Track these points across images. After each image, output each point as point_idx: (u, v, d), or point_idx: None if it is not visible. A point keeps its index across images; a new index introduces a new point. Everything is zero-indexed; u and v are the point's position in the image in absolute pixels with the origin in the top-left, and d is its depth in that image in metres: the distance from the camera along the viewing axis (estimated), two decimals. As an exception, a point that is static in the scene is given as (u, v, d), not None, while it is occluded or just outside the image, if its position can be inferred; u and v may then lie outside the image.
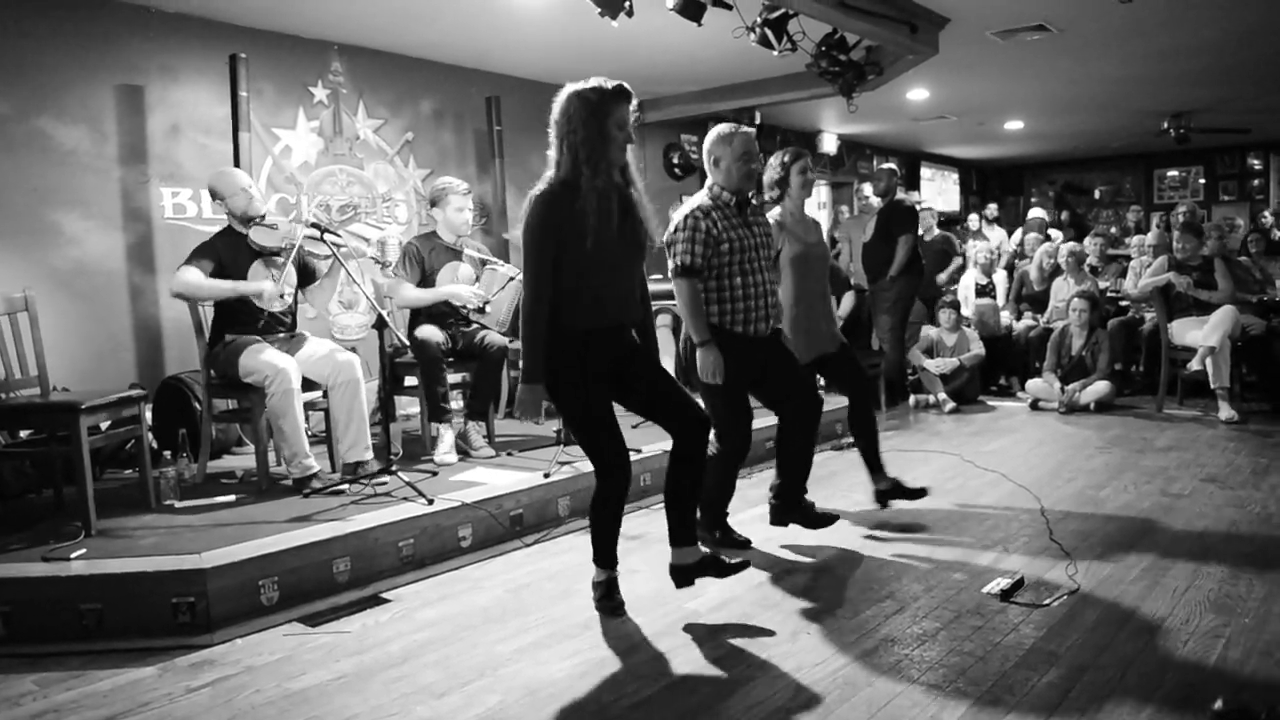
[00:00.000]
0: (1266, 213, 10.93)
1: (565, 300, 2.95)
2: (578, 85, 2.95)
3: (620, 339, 3.11)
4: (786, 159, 4.31)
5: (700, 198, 3.68)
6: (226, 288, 4.22)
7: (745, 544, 3.95)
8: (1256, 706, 2.32)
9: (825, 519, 4.05)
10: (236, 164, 5.30)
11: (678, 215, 3.62)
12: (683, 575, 3.27)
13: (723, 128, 3.72)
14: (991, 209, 11.20)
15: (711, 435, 3.48)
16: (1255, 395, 6.99)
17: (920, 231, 7.87)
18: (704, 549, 3.30)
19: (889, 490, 4.38)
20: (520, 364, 3.01)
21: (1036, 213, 11.30)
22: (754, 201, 3.76)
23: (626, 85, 2.96)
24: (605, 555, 3.25)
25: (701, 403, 3.52)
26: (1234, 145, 12.79)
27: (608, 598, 3.26)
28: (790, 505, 4.06)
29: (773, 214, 4.31)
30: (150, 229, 5.44)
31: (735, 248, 3.59)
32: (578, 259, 2.92)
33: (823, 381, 5.13)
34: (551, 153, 2.99)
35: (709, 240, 3.55)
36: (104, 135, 5.27)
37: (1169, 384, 6.87)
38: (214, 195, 4.39)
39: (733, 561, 3.31)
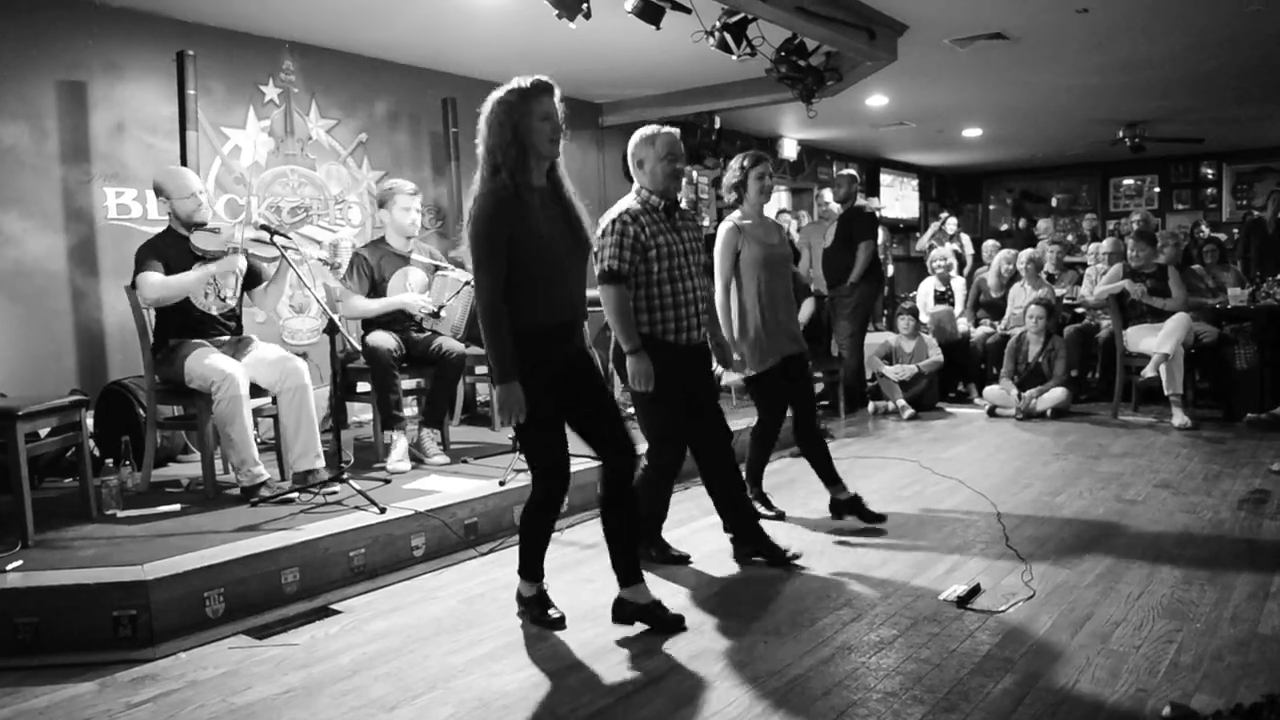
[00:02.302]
0: (1204, 226, 11.15)
1: (515, 299, 2.91)
2: (499, 90, 2.93)
3: (571, 336, 3.06)
4: (746, 163, 4.27)
5: (628, 201, 3.58)
6: (194, 277, 4.12)
7: (684, 560, 3.85)
8: (1203, 711, 2.33)
9: (779, 555, 3.80)
10: (184, 164, 5.17)
11: (605, 219, 3.52)
12: (620, 612, 3.17)
13: (645, 129, 3.62)
14: (951, 224, 11.15)
15: (643, 450, 3.43)
16: (1208, 402, 7.10)
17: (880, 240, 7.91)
18: (651, 595, 3.16)
19: (847, 503, 4.34)
20: (488, 368, 2.95)
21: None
22: (682, 207, 3.69)
23: (547, 79, 2.93)
24: (534, 567, 3.22)
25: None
26: (1188, 154, 13.04)
27: (542, 611, 3.21)
28: (748, 536, 3.87)
29: (732, 217, 4.29)
30: (93, 230, 5.29)
31: (664, 254, 3.50)
32: (526, 257, 2.88)
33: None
34: (479, 158, 2.96)
35: (636, 246, 3.46)
36: (44, 133, 5.12)
37: (1124, 391, 6.95)
38: (159, 192, 4.27)
39: (668, 616, 3.13)
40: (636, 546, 3.21)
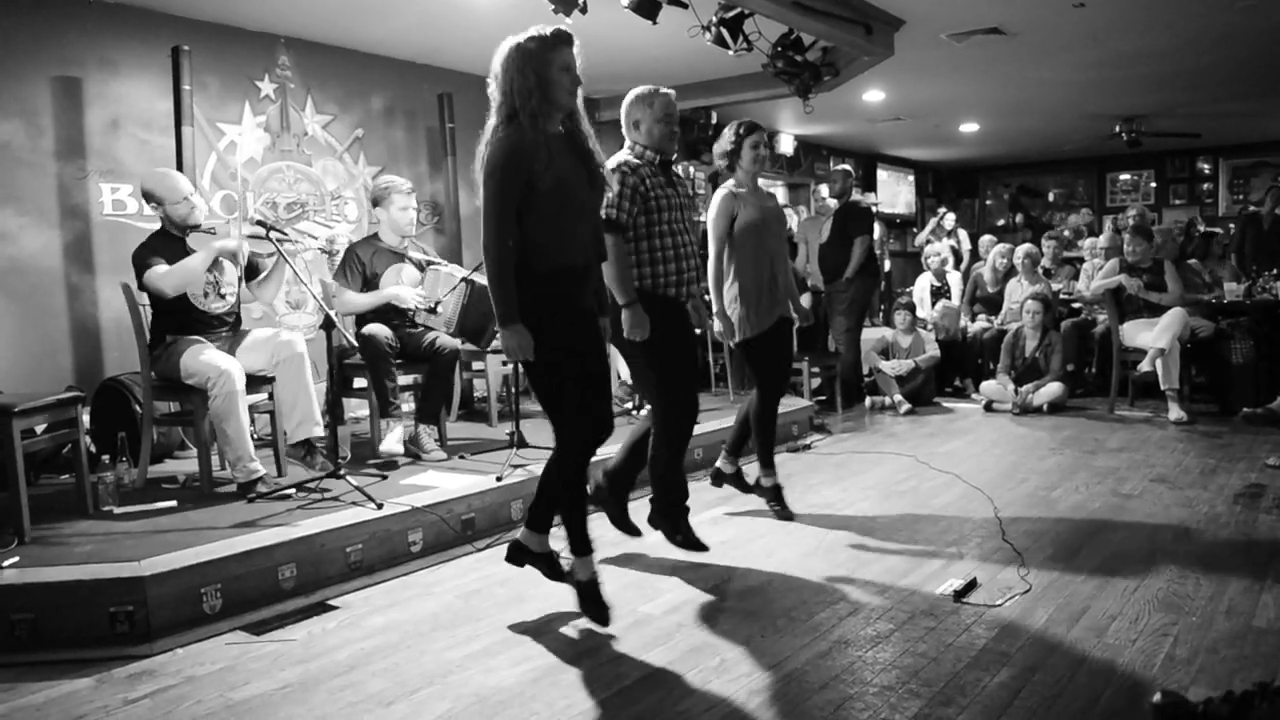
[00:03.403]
0: (1200, 222, 11.16)
1: (535, 243, 2.89)
2: (518, 36, 2.91)
3: (587, 281, 3.05)
4: (741, 130, 4.21)
5: (624, 154, 3.54)
6: (201, 258, 4.11)
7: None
8: (1193, 699, 2.34)
9: (695, 543, 3.81)
10: (179, 160, 5.17)
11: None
12: (514, 555, 3.25)
13: (641, 89, 3.59)
14: (949, 220, 11.18)
15: (646, 413, 3.40)
16: (1204, 396, 7.11)
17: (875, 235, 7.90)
18: (552, 546, 3.21)
19: (733, 476, 4.42)
20: (495, 309, 2.90)
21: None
22: (675, 170, 3.66)
23: (566, 29, 2.92)
24: (545, 521, 3.24)
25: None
26: (1184, 149, 13.04)
27: (550, 568, 3.25)
28: (662, 512, 3.82)
29: (726, 184, 4.24)
30: (88, 226, 5.28)
31: (664, 205, 3.50)
32: (542, 201, 2.87)
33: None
34: (494, 103, 2.94)
35: (636, 196, 3.44)
36: (40, 129, 5.11)
37: (1120, 385, 6.96)
38: (149, 198, 4.23)
39: (566, 571, 3.15)
40: (550, 503, 3.19)
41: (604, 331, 3.22)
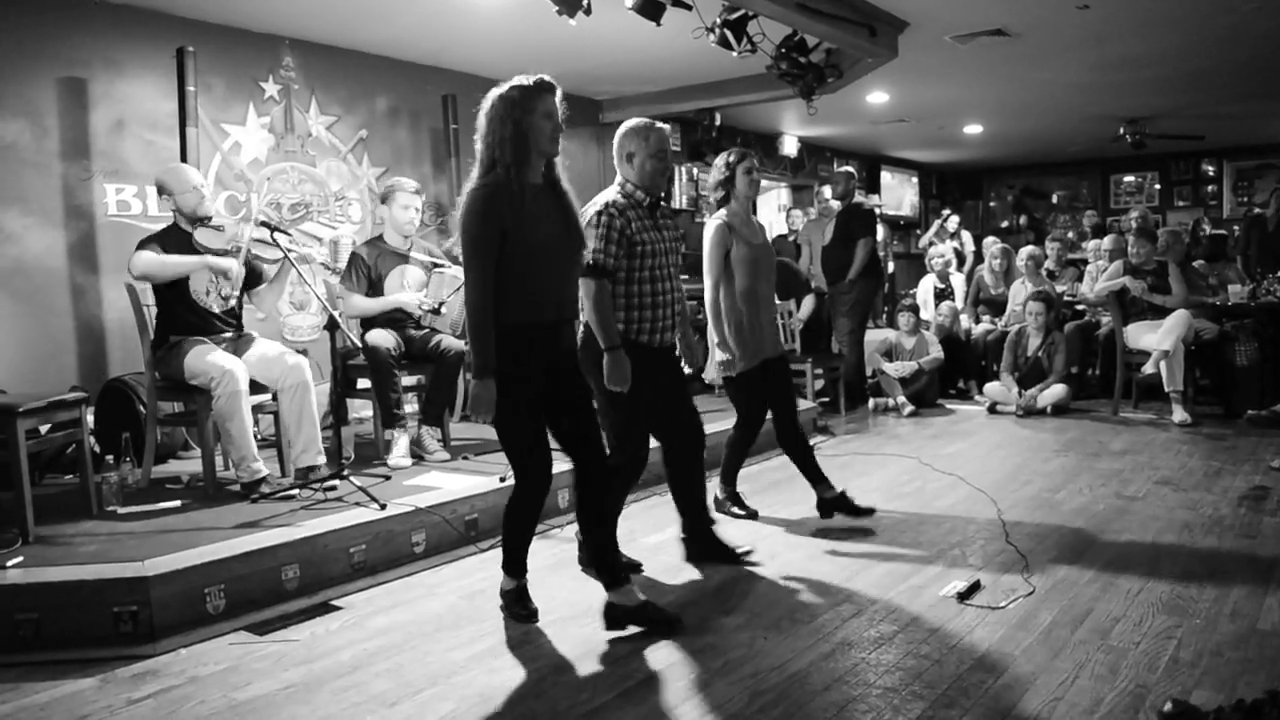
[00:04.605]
0: (1205, 223, 11.14)
1: (504, 295, 2.91)
2: (500, 87, 2.94)
3: (559, 337, 3.06)
4: (731, 159, 4.22)
5: (611, 194, 3.49)
6: (193, 262, 4.12)
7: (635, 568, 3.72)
8: (1204, 708, 2.33)
9: (732, 554, 3.80)
10: (184, 160, 5.17)
11: (588, 210, 3.39)
12: (612, 616, 3.10)
13: (637, 121, 3.54)
14: (953, 222, 11.16)
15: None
16: (1208, 399, 7.09)
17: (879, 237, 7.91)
18: (640, 596, 3.12)
19: (834, 500, 4.29)
20: (472, 363, 2.95)
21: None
22: (663, 204, 3.60)
23: (549, 78, 2.95)
24: (517, 563, 3.23)
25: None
26: (1188, 151, 13.00)
27: (520, 605, 3.23)
28: (701, 539, 3.85)
29: (719, 215, 4.24)
30: (93, 226, 5.29)
31: (648, 251, 3.43)
32: (517, 253, 2.88)
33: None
34: (478, 154, 2.96)
35: (622, 240, 3.38)
36: (45, 130, 5.12)
37: (1124, 387, 6.95)
38: (162, 191, 4.28)
39: (663, 616, 3.09)
40: (616, 547, 3.17)
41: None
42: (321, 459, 4.21)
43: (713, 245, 4.18)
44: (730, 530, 4.07)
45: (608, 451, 3.25)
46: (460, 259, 3.12)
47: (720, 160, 4.26)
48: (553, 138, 2.94)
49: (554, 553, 3.96)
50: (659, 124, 3.57)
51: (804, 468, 4.32)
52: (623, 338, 3.39)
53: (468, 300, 2.92)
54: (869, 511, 4.27)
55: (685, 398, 3.75)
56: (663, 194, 3.59)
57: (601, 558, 3.14)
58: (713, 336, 4.23)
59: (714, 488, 4.43)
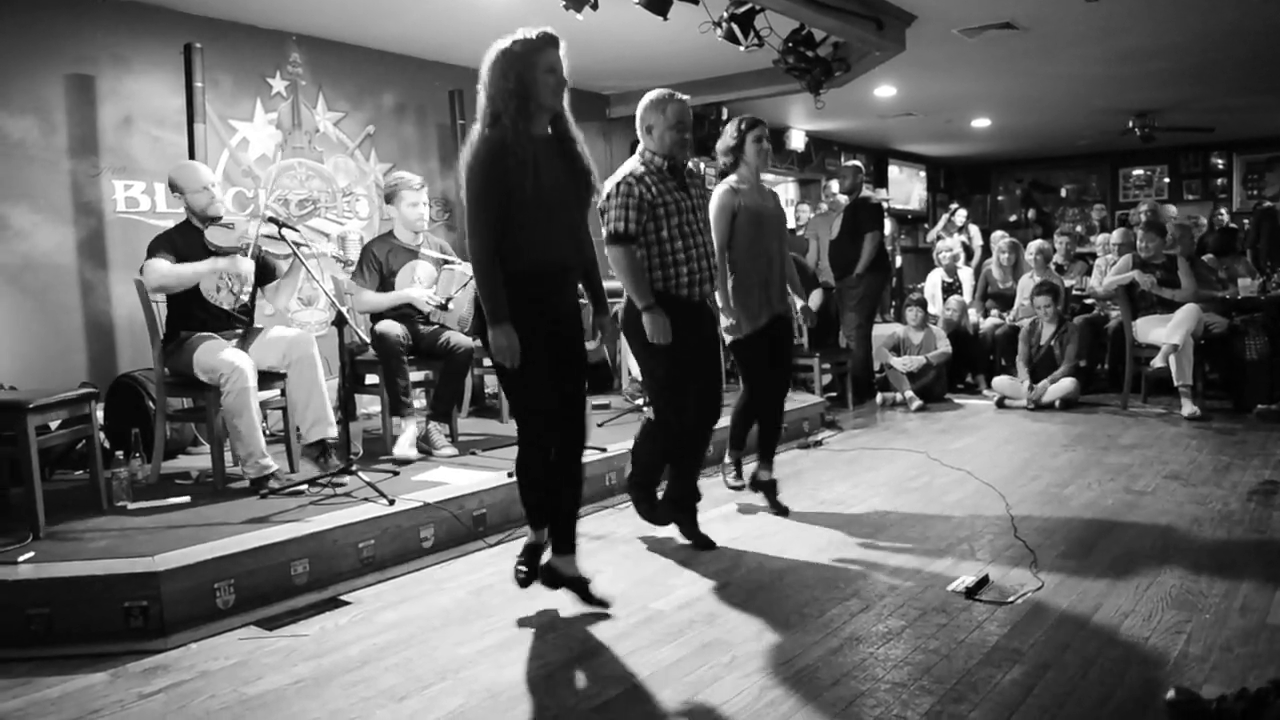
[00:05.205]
0: (1223, 211, 11.09)
1: (510, 243, 2.91)
2: (503, 40, 2.95)
3: (565, 285, 3.07)
4: (743, 126, 4.22)
5: (632, 164, 3.58)
6: (204, 269, 4.13)
7: (709, 545, 3.85)
8: (1206, 696, 2.33)
9: (703, 540, 3.86)
10: (191, 157, 5.18)
11: (610, 182, 3.52)
12: (550, 578, 3.21)
13: (656, 93, 3.61)
14: (961, 215, 11.14)
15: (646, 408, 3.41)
16: (1217, 393, 7.06)
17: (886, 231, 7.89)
18: (579, 570, 3.20)
19: (767, 484, 4.36)
20: (484, 307, 2.94)
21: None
22: (689, 167, 3.68)
23: (552, 31, 2.96)
24: (534, 524, 3.27)
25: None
26: (1198, 144, 12.95)
27: (525, 563, 3.26)
28: (679, 506, 3.90)
29: (727, 180, 4.23)
30: (101, 223, 5.31)
31: (673, 210, 3.52)
32: (519, 203, 2.89)
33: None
34: (480, 107, 2.97)
35: (643, 205, 3.48)
36: (53, 126, 5.13)
37: (1133, 381, 6.93)
38: (173, 188, 4.30)
39: (594, 595, 3.18)
40: (575, 518, 3.22)
41: (604, 328, 3.27)
42: (333, 431, 4.23)
43: (718, 210, 4.18)
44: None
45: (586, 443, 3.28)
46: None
47: (730, 127, 4.26)
48: (555, 91, 2.95)
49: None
50: (678, 95, 3.62)
51: (763, 438, 4.34)
52: (663, 295, 3.52)
53: (470, 249, 2.93)
54: (785, 510, 4.32)
55: (711, 369, 3.78)
56: (685, 161, 3.64)
57: (565, 523, 3.18)
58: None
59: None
